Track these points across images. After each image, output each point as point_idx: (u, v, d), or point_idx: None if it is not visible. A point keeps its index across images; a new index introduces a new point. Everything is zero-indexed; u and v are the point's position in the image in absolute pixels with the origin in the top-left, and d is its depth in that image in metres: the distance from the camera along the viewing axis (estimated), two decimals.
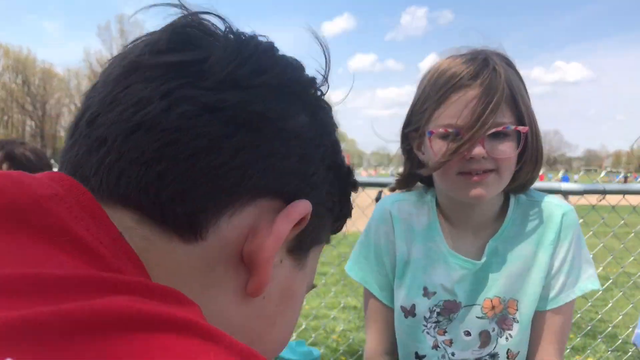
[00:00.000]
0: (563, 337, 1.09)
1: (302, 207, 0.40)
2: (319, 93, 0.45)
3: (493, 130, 0.96)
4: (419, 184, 1.19)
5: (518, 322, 1.07)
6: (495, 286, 1.08)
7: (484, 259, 1.07)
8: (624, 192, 2.37)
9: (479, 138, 0.95)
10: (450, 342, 1.10)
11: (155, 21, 0.42)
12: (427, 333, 1.11)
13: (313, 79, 0.45)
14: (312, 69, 0.45)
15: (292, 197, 0.40)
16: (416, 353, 1.13)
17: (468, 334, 1.09)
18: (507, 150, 0.99)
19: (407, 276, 1.13)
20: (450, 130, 0.97)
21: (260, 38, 0.43)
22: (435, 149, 1.00)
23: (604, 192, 2.47)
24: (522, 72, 1.06)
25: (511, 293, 1.07)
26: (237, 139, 0.37)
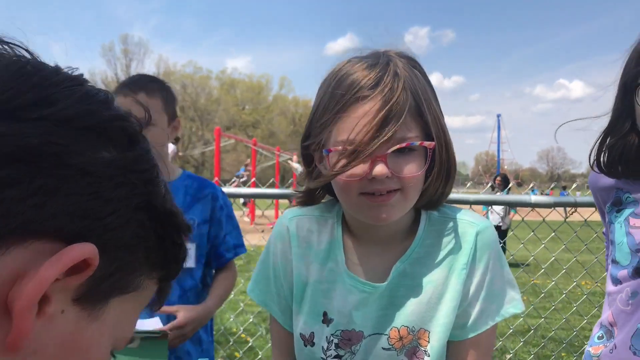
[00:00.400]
0: None
1: (78, 252, 0.36)
2: (130, 130, 0.42)
3: (396, 147, 0.84)
4: (328, 196, 1.06)
5: (429, 355, 0.93)
6: (403, 314, 0.94)
7: (387, 282, 0.94)
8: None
9: (376, 155, 0.83)
10: None
11: None
12: None
13: (123, 115, 0.42)
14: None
15: (76, 239, 0.36)
16: None
17: None
18: (413, 168, 0.87)
19: (306, 300, 0.99)
20: (348, 147, 0.85)
21: (65, 69, 0.40)
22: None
23: (575, 205, 2.33)
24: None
25: (421, 322, 0.94)
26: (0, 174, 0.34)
